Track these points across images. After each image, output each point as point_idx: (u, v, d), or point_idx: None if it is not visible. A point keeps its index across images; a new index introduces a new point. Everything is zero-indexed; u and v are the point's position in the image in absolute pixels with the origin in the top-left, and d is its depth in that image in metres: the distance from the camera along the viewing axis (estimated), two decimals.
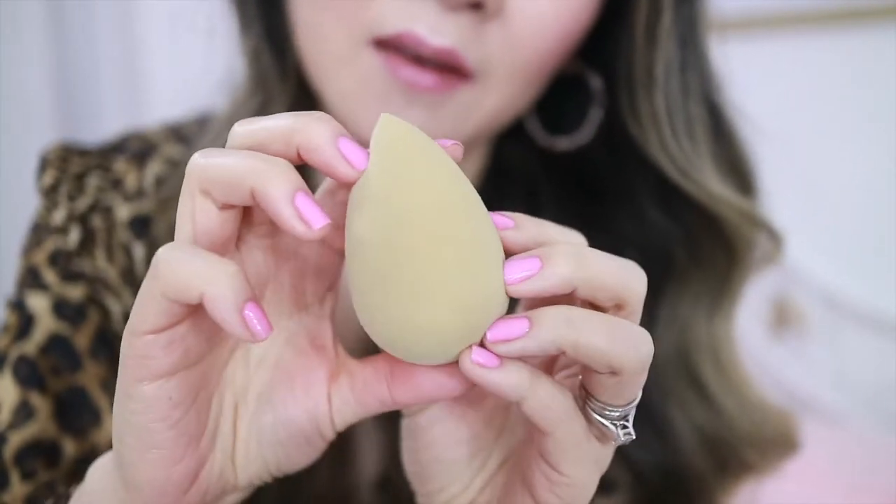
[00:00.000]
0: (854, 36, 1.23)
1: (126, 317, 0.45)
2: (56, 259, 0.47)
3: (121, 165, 0.50)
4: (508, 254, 0.28)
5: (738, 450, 0.48)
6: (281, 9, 0.41)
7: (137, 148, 0.51)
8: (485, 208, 0.28)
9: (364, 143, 0.27)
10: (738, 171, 0.47)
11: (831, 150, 1.29)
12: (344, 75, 0.36)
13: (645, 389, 0.30)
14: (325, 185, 0.29)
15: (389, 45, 0.35)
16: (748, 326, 1.39)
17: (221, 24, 0.45)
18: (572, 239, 0.30)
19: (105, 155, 0.51)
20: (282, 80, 0.42)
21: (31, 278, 0.46)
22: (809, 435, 1.18)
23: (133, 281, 0.47)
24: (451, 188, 0.27)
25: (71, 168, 0.49)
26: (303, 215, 0.24)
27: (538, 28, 0.36)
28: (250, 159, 0.25)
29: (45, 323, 0.44)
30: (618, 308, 0.28)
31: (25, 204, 2.06)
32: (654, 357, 0.30)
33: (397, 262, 0.26)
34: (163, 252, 0.26)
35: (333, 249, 0.30)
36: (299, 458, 0.31)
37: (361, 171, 0.26)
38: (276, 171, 0.25)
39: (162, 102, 2.44)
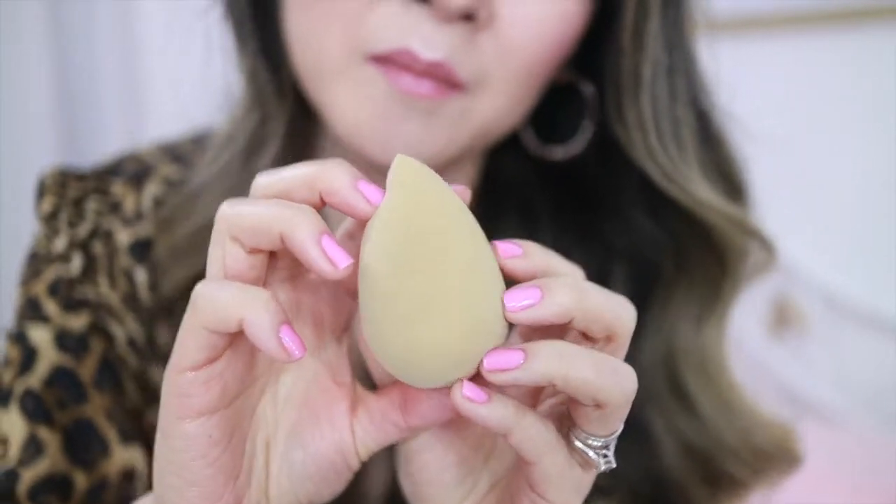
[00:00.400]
0: (854, 36, 1.23)
1: (130, 342, 0.46)
2: (56, 288, 0.46)
3: (118, 188, 0.49)
4: (515, 281, 0.30)
5: (725, 463, 0.47)
6: (276, 26, 0.41)
7: (134, 170, 0.51)
8: (486, 240, 0.30)
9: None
10: (728, 178, 0.47)
11: (831, 150, 1.29)
12: (343, 89, 0.37)
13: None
14: (345, 227, 0.30)
15: (386, 60, 0.36)
16: (748, 326, 1.39)
17: (219, 40, 0.46)
18: (574, 271, 0.31)
19: (102, 178, 0.50)
20: (279, 96, 0.42)
21: (31, 310, 0.46)
22: (809, 435, 1.18)
23: (135, 306, 0.47)
24: (456, 221, 0.28)
25: (69, 193, 0.49)
26: (329, 256, 0.27)
27: (530, 37, 0.37)
28: (277, 207, 0.27)
29: (48, 356, 0.44)
30: (608, 340, 0.30)
31: (25, 203, 2.06)
32: (639, 366, 0.32)
33: (402, 288, 0.28)
34: (200, 287, 0.28)
35: (348, 289, 0.31)
36: (328, 489, 0.33)
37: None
38: (302, 217, 0.27)
39: (162, 103, 2.44)
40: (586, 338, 0.30)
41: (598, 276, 0.45)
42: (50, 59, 2.11)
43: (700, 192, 0.42)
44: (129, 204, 0.49)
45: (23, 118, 2.10)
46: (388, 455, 0.44)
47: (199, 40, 0.46)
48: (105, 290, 0.46)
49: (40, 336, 0.44)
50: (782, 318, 1.34)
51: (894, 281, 1.22)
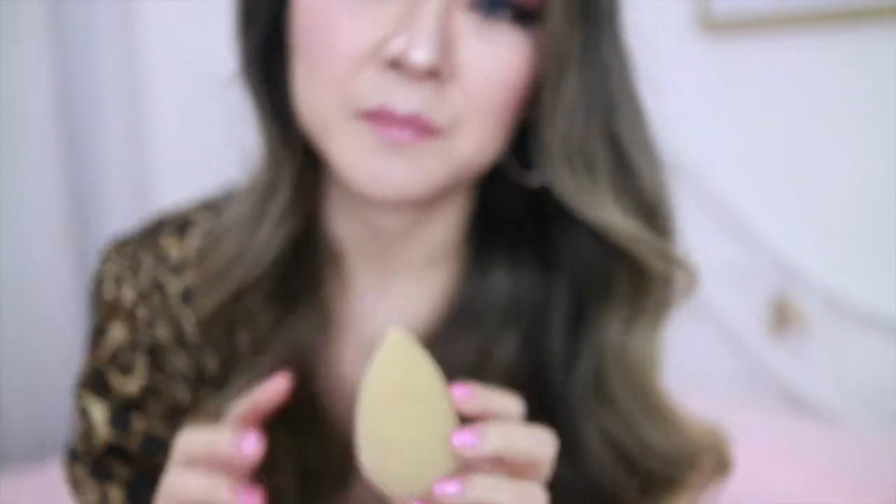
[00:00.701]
0: (854, 36, 1.23)
1: (184, 378, 0.53)
2: (117, 356, 0.53)
3: (165, 241, 0.55)
4: (466, 417, 0.42)
5: (654, 465, 0.51)
6: (285, 94, 0.49)
7: (176, 223, 0.56)
8: (446, 389, 0.42)
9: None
10: (648, 209, 0.49)
11: (832, 150, 1.29)
12: (341, 141, 0.45)
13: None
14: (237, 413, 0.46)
15: (373, 116, 0.44)
16: (748, 326, 1.39)
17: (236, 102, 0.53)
18: (511, 410, 0.42)
19: (150, 234, 0.56)
20: (288, 148, 0.50)
21: (94, 381, 0.54)
22: (809, 435, 1.18)
23: (184, 344, 0.53)
24: (424, 379, 0.41)
25: (127, 257, 0.55)
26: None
27: (489, 86, 0.44)
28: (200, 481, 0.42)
29: (103, 433, 0.53)
30: (531, 467, 0.42)
31: (25, 203, 2.05)
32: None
33: (382, 428, 0.41)
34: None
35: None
36: None
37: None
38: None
39: (162, 103, 2.44)
40: (514, 467, 0.41)
41: (546, 288, 0.53)
42: (50, 59, 2.11)
43: (610, 219, 0.47)
44: (174, 254, 0.54)
45: (23, 117, 2.10)
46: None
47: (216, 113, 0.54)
48: (161, 332, 0.53)
49: (99, 414, 0.53)
50: (782, 318, 1.35)
51: (894, 281, 1.22)
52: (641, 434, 0.51)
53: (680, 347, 1.68)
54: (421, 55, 0.41)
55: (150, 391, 0.53)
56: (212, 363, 0.53)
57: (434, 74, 0.43)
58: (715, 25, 1.41)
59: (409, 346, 0.41)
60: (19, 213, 2.11)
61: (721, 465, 0.56)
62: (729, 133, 1.43)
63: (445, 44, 0.43)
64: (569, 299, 0.52)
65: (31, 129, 2.10)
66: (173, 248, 0.54)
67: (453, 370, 0.46)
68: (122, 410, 0.53)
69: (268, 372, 0.50)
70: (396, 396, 0.40)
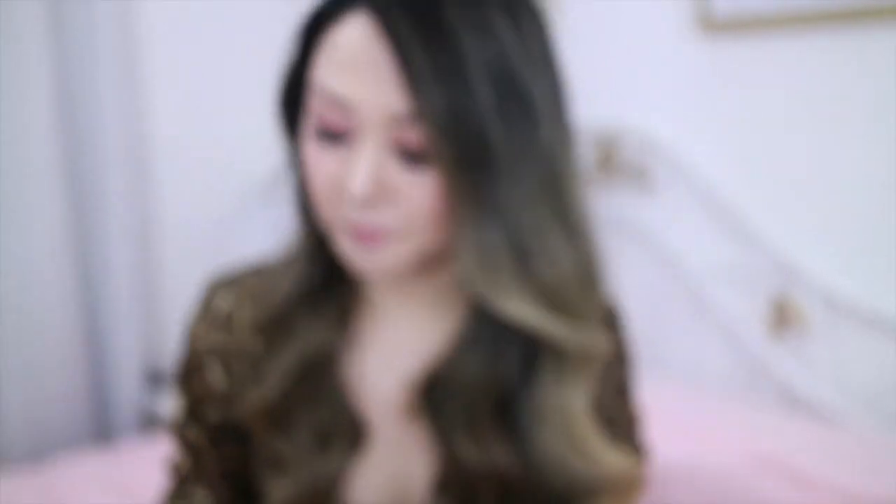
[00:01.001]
0: (854, 36, 1.24)
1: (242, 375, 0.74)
2: (208, 391, 0.74)
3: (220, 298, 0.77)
4: None
5: (587, 491, 0.65)
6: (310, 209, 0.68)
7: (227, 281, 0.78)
8: None
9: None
10: (554, 297, 0.61)
11: (831, 150, 1.29)
12: (339, 241, 0.63)
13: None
14: None
15: (349, 232, 0.61)
16: (748, 326, 1.40)
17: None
18: None
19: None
20: (309, 233, 0.71)
21: (190, 410, 0.75)
22: (809, 435, 1.18)
23: (245, 355, 0.74)
24: None
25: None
26: None
27: (413, 206, 0.59)
28: None
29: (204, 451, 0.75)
30: None
31: (25, 203, 2.05)
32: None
33: None
34: None
35: None
36: None
37: None
38: None
39: (163, 103, 2.44)
40: None
41: (497, 353, 0.67)
42: (50, 58, 2.11)
43: (513, 309, 0.60)
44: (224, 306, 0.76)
45: (24, 118, 2.10)
46: (435, 444, 0.68)
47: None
48: (232, 348, 0.74)
49: (195, 436, 0.75)
50: (782, 319, 1.35)
51: (894, 281, 1.22)
52: (565, 462, 0.64)
53: (680, 347, 1.69)
54: (356, 189, 0.58)
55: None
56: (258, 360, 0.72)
57: (371, 202, 0.59)
58: (714, 26, 1.41)
59: None
60: (19, 216, 2.11)
61: (633, 488, 0.67)
62: (729, 133, 1.43)
63: (379, 181, 0.59)
64: (523, 349, 0.65)
65: (32, 130, 2.10)
66: (224, 303, 0.76)
67: (462, 381, 0.66)
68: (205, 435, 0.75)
69: (294, 360, 0.70)
70: None
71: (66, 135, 2.15)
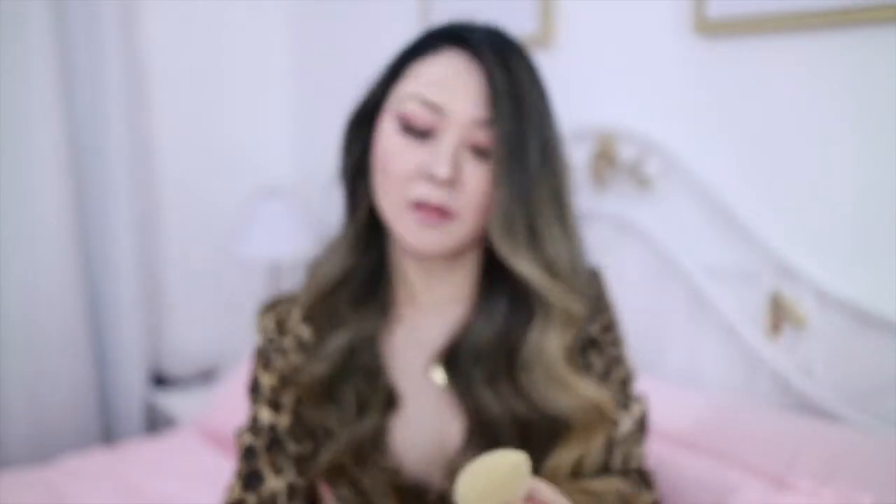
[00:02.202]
0: (854, 36, 1.24)
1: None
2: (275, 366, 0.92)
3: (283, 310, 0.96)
4: None
5: (566, 421, 0.84)
6: (364, 193, 0.88)
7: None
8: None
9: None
10: (550, 265, 0.81)
11: (831, 149, 1.29)
12: (400, 221, 0.81)
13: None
14: None
15: (417, 205, 0.80)
16: (747, 326, 1.40)
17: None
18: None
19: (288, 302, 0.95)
20: (356, 219, 0.89)
21: (257, 391, 0.92)
22: (809, 434, 1.18)
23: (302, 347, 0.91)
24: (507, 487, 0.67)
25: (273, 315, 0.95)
26: None
27: (477, 194, 0.80)
28: None
29: (266, 419, 0.91)
30: None
31: (29, 205, 2.06)
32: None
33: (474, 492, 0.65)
34: None
35: None
36: None
37: None
38: None
39: (164, 103, 2.45)
40: None
41: (508, 308, 0.87)
42: (53, 60, 2.11)
43: (519, 264, 0.80)
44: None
45: (26, 118, 2.10)
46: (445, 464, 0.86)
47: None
48: (287, 343, 0.93)
49: (265, 415, 0.91)
50: (781, 318, 1.35)
51: (894, 281, 1.22)
52: (548, 394, 0.83)
53: (680, 347, 1.69)
54: (442, 171, 0.78)
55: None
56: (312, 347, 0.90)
57: (449, 183, 0.79)
58: (710, 27, 1.41)
59: (516, 472, 0.66)
60: (24, 219, 2.12)
61: (604, 420, 0.85)
62: (729, 134, 1.44)
63: (456, 166, 0.79)
64: (521, 313, 0.86)
65: (36, 131, 2.11)
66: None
67: (479, 346, 0.85)
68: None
69: (343, 343, 0.87)
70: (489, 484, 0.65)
71: (70, 135, 2.16)
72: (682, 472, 1.13)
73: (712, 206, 1.45)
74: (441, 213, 0.79)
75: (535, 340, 0.83)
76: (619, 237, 1.59)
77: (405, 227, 0.80)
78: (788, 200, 1.35)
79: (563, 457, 0.84)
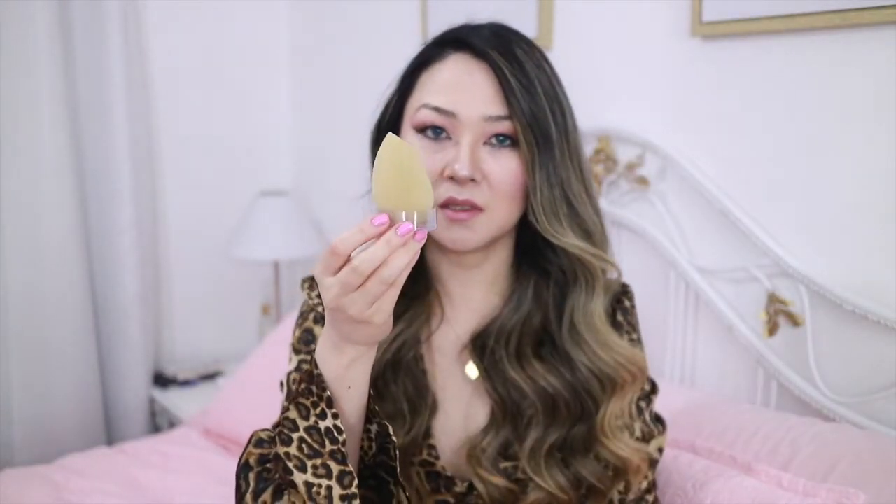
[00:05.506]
0: (854, 36, 1.24)
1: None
2: (317, 318, 0.97)
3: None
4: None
5: (608, 373, 0.89)
6: None
7: None
8: (423, 165, 0.72)
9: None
10: (589, 235, 0.88)
11: (830, 149, 1.29)
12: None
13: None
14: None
15: (445, 204, 0.85)
16: (747, 326, 1.40)
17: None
18: None
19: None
20: None
21: (305, 338, 0.96)
22: (808, 434, 1.18)
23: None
24: (410, 162, 0.69)
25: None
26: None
27: (502, 184, 0.85)
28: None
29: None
30: None
31: (31, 205, 2.07)
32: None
33: (382, 188, 0.71)
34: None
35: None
36: None
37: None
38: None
39: (167, 106, 2.45)
40: None
41: (538, 285, 0.94)
42: (57, 62, 2.12)
43: (568, 240, 0.86)
44: None
45: (30, 119, 2.11)
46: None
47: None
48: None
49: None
50: (778, 317, 1.35)
51: (893, 281, 1.22)
52: (595, 355, 0.89)
53: (679, 346, 1.69)
54: (464, 171, 0.83)
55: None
56: None
57: (472, 179, 0.84)
58: (706, 30, 1.42)
59: (398, 146, 0.69)
60: (29, 221, 2.12)
61: (642, 373, 0.92)
62: (727, 135, 1.44)
63: (475, 163, 0.84)
64: (556, 289, 0.93)
65: (41, 132, 2.11)
66: None
67: (508, 329, 0.91)
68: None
69: (393, 350, 0.92)
70: (392, 173, 0.68)
71: (73, 135, 2.17)
72: (680, 471, 1.13)
73: (710, 207, 1.46)
74: (469, 208, 0.84)
75: (582, 304, 0.89)
76: (617, 237, 1.60)
77: (437, 227, 0.82)
78: (785, 200, 1.36)
79: (601, 414, 0.88)
